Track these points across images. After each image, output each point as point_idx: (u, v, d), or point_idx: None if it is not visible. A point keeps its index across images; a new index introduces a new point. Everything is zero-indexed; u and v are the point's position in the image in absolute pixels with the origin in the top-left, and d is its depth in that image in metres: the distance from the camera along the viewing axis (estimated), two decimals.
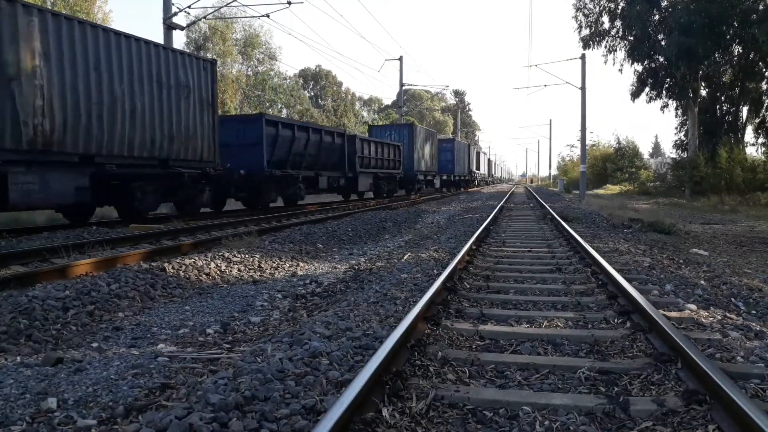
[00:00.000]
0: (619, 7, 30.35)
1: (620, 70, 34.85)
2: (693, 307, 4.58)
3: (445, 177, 37.39)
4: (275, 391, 2.65)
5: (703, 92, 31.28)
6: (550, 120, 70.14)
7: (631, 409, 2.65)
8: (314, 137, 18.13)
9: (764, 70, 29.36)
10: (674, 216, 16.38)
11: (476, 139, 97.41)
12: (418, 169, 29.10)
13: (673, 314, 4.29)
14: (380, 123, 64.36)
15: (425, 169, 30.90)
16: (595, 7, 31.32)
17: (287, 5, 18.53)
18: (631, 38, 30.19)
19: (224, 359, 3.54)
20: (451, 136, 63.23)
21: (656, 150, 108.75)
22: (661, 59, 29.35)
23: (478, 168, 53.50)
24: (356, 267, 7.49)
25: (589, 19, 31.42)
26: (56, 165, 9.53)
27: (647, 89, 31.80)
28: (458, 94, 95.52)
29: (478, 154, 55.66)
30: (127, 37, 10.93)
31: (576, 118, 56.89)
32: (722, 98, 32.19)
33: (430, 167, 31.99)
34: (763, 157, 30.66)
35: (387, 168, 24.80)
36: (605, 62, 33.08)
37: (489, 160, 72.72)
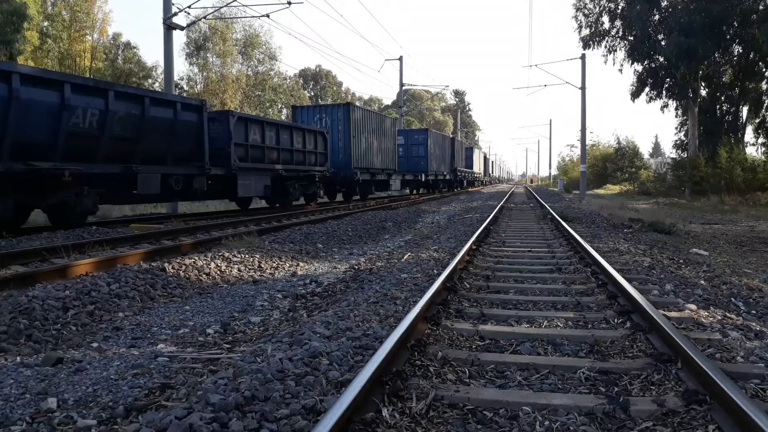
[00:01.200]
0: (619, 7, 30.38)
1: (620, 70, 34.98)
2: (693, 307, 4.58)
3: (409, 177, 29.34)
4: (275, 391, 2.65)
5: (703, 92, 31.30)
6: (550, 120, 70.14)
7: (631, 410, 2.65)
8: (122, 107, 10.41)
9: (764, 70, 29.39)
10: (674, 216, 16.37)
11: (476, 138, 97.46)
12: (360, 166, 21.38)
13: (673, 314, 4.29)
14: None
15: (376, 166, 23.11)
16: (595, 7, 31.36)
17: (287, 5, 18.54)
18: (631, 38, 30.22)
19: (224, 359, 3.54)
20: (424, 127, 55.23)
21: (656, 150, 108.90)
22: (661, 59, 29.36)
23: (469, 166, 46.34)
24: (356, 267, 7.49)
25: (589, 19, 31.46)
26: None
27: (647, 89, 31.85)
28: (458, 94, 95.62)
29: (469, 150, 49.18)
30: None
31: (576, 118, 56.75)
32: (722, 98, 32.20)
33: (383, 164, 24.04)
34: (763, 157, 30.69)
35: (300, 164, 17.21)
36: (605, 62, 33.14)
37: (485, 157, 65.92)
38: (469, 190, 45.16)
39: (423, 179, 30.89)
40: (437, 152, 33.34)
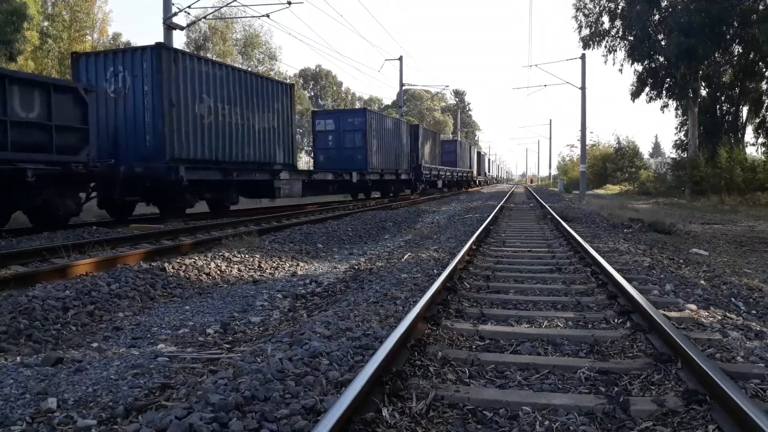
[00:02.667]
0: (619, 7, 30.38)
1: (620, 70, 34.92)
2: (693, 307, 4.58)
3: (322, 177, 18.63)
4: (275, 391, 2.65)
5: (703, 92, 31.30)
6: (550, 120, 70.04)
7: (631, 409, 2.64)
8: None
9: (764, 70, 29.38)
10: (674, 216, 16.37)
11: (476, 138, 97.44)
12: (189, 157, 12.45)
13: (673, 314, 4.29)
14: None
15: (240, 158, 14.15)
16: (595, 7, 31.36)
17: (287, 5, 18.52)
18: (631, 38, 30.22)
19: (224, 359, 3.54)
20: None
21: (656, 150, 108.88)
22: (661, 59, 29.37)
23: (449, 163, 37.11)
24: (356, 267, 7.49)
25: (589, 19, 31.46)
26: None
27: (647, 89, 31.84)
28: (458, 94, 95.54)
29: (450, 143, 41.19)
30: None
31: (576, 118, 56.59)
32: (722, 98, 32.20)
33: (263, 154, 15.18)
34: (763, 157, 30.66)
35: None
36: (605, 62, 33.13)
37: (479, 154, 57.29)
38: (469, 190, 44.31)
39: (356, 179, 20.17)
40: (386, 143, 24.05)
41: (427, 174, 29.84)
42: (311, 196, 19.37)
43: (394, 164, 25.22)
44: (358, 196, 23.82)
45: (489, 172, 71.18)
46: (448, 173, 35.82)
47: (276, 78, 15.04)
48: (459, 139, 50.46)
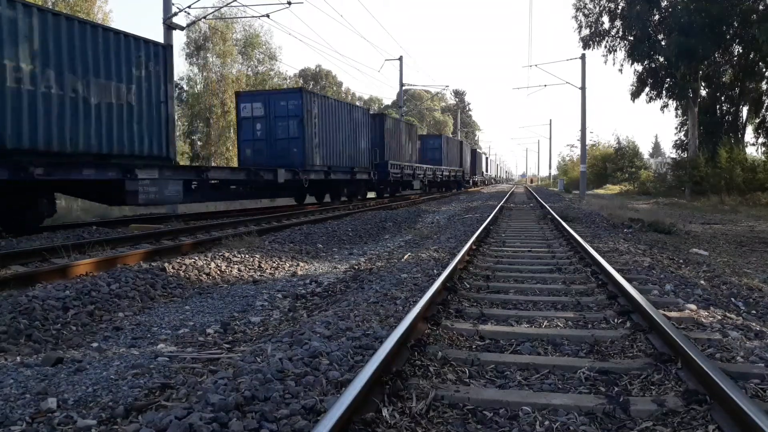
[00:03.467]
0: (619, 7, 30.38)
1: (620, 70, 34.91)
2: (693, 307, 4.58)
3: (229, 176, 15.10)
4: (275, 391, 2.65)
5: (703, 92, 31.31)
6: (550, 120, 70.04)
7: (631, 409, 2.64)
8: None
9: (764, 70, 29.38)
10: (674, 216, 16.37)
11: (476, 138, 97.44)
12: None
13: (673, 314, 4.29)
14: None
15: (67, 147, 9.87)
16: (595, 7, 31.35)
17: (287, 5, 18.51)
18: (631, 38, 30.21)
19: (224, 359, 3.54)
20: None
21: (656, 150, 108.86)
22: (661, 59, 29.36)
23: (433, 161, 33.47)
24: (356, 267, 7.49)
25: (589, 19, 31.46)
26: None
27: (647, 89, 31.84)
28: (458, 94, 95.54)
29: (433, 139, 36.89)
30: None
31: (576, 118, 56.56)
32: (722, 98, 32.20)
33: (110, 142, 10.87)
34: (763, 157, 30.66)
35: None
36: (605, 62, 33.15)
37: (474, 151, 52.94)
38: (469, 190, 43.99)
39: (283, 179, 15.69)
40: (335, 133, 19.18)
41: (396, 173, 24.68)
42: (206, 202, 14.89)
43: (346, 160, 20.14)
44: (304, 201, 19.90)
45: (487, 171, 68.97)
46: (429, 172, 30.74)
47: (144, 38, 11.07)
48: (447, 135, 46.65)
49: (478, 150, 60.64)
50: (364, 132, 21.90)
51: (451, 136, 51.60)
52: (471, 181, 47.96)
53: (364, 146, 21.87)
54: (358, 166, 21.11)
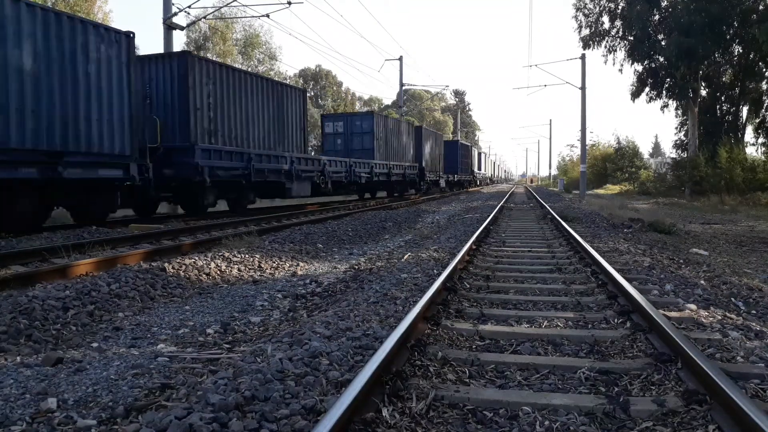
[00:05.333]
0: (619, 7, 30.41)
1: (620, 70, 35.00)
2: (693, 307, 4.58)
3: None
4: (275, 392, 2.65)
5: (703, 92, 31.32)
6: (550, 120, 69.95)
7: (631, 410, 2.64)
8: None
9: (764, 70, 29.38)
10: (674, 216, 16.37)
11: (476, 138, 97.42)
12: None
13: (673, 314, 4.29)
14: None
15: None
16: (595, 7, 31.39)
17: (287, 5, 18.52)
18: (631, 38, 30.24)
19: (224, 359, 3.54)
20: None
21: (656, 150, 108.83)
22: (661, 59, 29.37)
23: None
24: (356, 267, 7.49)
25: (589, 19, 31.49)
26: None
27: (647, 89, 31.86)
28: (458, 94, 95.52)
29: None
30: None
31: (576, 118, 56.50)
32: (722, 98, 32.22)
33: None
34: (763, 157, 30.67)
35: None
36: (605, 62, 33.18)
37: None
38: (470, 190, 43.86)
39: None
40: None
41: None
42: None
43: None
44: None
45: (489, 172, 70.19)
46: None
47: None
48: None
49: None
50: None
51: (452, 137, 49.65)
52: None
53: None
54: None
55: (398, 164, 25.77)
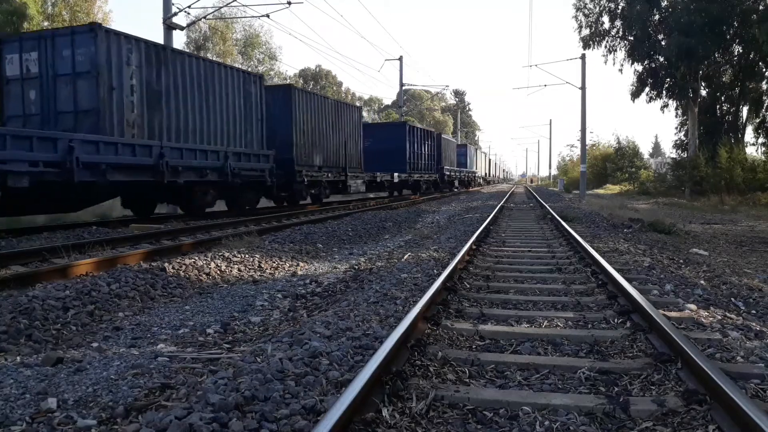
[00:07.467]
0: (619, 7, 30.40)
1: (620, 70, 34.95)
2: (693, 307, 4.58)
3: None
4: (275, 391, 2.65)
5: (703, 92, 31.32)
6: (550, 120, 69.97)
7: (631, 410, 2.64)
8: None
9: (764, 70, 29.38)
10: (674, 216, 16.37)
11: (476, 138, 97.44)
12: None
13: (673, 314, 4.29)
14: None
15: None
16: (595, 7, 31.38)
17: (287, 5, 18.52)
18: (631, 38, 30.24)
19: (224, 359, 3.54)
20: None
21: (656, 150, 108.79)
22: (661, 59, 29.38)
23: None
24: (356, 267, 7.49)
25: (589, 19, 31.48)
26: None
27: (647, 89, 31.86)
28: (458, 94, 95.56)
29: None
30: None
31: (576, 118, 56.47)
32: (722, 98, 32.21)
33: None
34: (763, 157, 30.68)
35: None
36: (605, 62, 33.14)
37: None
38: (470, 190, 44.09)
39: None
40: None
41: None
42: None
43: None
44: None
45: (488, 172, 70.75)
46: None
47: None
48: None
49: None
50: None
51: (452, 137, 49.45)
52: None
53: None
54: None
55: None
